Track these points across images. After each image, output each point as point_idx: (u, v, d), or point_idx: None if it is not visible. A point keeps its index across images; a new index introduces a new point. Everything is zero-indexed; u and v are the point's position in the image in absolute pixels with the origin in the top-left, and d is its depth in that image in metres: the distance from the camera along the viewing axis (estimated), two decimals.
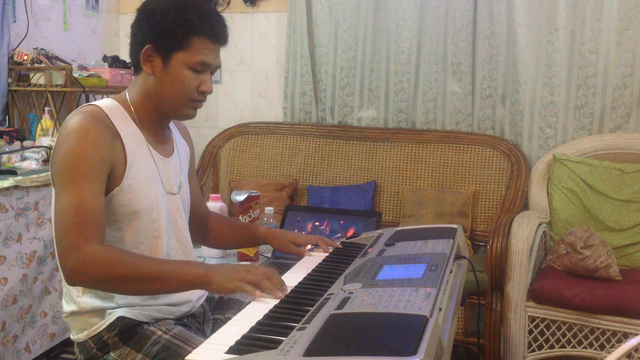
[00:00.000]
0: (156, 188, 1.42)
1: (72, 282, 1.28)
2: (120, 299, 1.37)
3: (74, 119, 1.32)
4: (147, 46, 1.37)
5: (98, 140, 1.30)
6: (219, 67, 1.44)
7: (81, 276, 1.25)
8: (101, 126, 1.32)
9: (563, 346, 2.51)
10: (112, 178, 1.33)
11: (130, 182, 1.36)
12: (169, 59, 1.37)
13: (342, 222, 2.21)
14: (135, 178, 1.37)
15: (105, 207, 1.32)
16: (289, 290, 1.26)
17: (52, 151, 1.34)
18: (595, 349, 2.44)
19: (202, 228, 1.71)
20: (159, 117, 1.45)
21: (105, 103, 1.40)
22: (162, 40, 1.36)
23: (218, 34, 1.40)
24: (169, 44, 1.36)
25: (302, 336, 0.93)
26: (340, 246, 1.64)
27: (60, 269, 1.33)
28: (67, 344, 2.73)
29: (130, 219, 1.37)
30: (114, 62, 3.31)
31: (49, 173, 2.54)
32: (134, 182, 1.36)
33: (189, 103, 1.41)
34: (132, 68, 1.45)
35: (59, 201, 1.28)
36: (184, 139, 1.61)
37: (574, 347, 2.49)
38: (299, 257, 1.62)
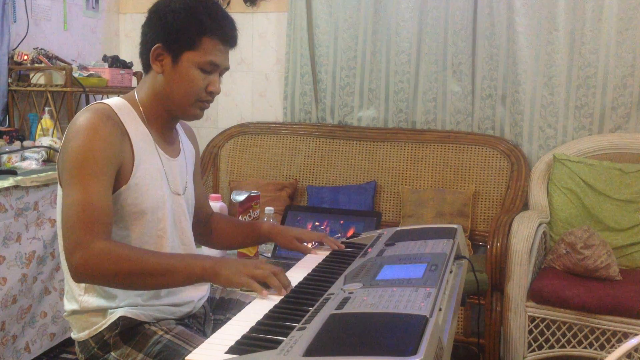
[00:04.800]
0: (162, 188, 1.42)
1: (78, 278, 1.28)
2: (122, 299, 1.38)
3: (84, 116, 1.32)
4: (156, 45, 1.37)
5: (108, 138, 1.30)
6: (227, 68, 1.45)
7: (87, 272, 1.25)
8: (111, 124, 1.32)
9: (563, 346, 2.51)
10: (120, 177, 1.33)
11: (137, 181, 1.36)
12: (179, 58, 1.37)
13: (342, 222, 2.22)
14: (142, 177, 1.37)
15: (112, 205, 1.32)
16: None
17: (60, 147, 1.34)
18: (595, 349, 2.45)
19: (206, 228, 1.71)
20: (167, 117, 1.46)
21: (114, 102, 1.40)
22: (172, 39, 1.37)
23: (228, 36, 1.41)
24: (179, 43, 1.37)
25: (302, 336, 0.93)
26: (343, 247, 1.64)
27: (66, 265, 1.34)
28: (67, 343, 2.73)
29: (136, 217, 1.37)
30: (114, 62, 3.31)
31: (49, 173, 2.57)
32: (141, 181, 1.36)
33: (196, 103, 1.42)
34: (142, 68, 1.45)
35: (67, 197, 1.28)
36: (189, 141, 1.62)
37: (574, 347, 2.49)
38: (303, 254, 1.62)
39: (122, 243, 1.33)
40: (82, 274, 1.26)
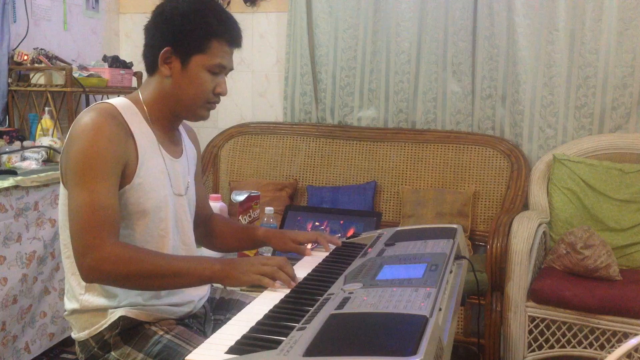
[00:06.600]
0: (165, 188, 1.42)
1: (89, 279, 1.30)
2: (123, 298, 1.38)
3: (88, 115, 1.32)
4: (166, 48, 1.37)
5: (112, 138, 1.30)
6: (232, 69, 1.47)
7: (99, 274, 1.27)
8: (115, 124, 1.33)
9: (563, 346, 2.51)
10: (124, 176, 1.34)
11: (141, 181, 1.36)
12: (188, 61, 1.38)
13: (342, 222, 2.22)
14: (146, 177, 1.37)
15: (119, 205, 1.32)
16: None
17: (63, 146, 1.34)
18: (595, 349, 2.44)
19: (205, 230, 1.72)
20: (172, 118, 1.47)
21: (118, 101, 1.40)
22: (181, 42, 1.37)
23: (235, 37, 1.43)
24: (189, 46, 1.37)
25: (302, 336, 0.93)
26: (340, 243, 1.65)
27: (66, 264, 1.34)
28: (66, 343, 2.73)
29: (139, 217, 1.37)
30: (114, 62, 3.31)
31: (49, 173, 2.57)
32: (144, 180, 1.37)
33: (205, 104, 1.43)
34: (146, 69, 1.45)
35: (74, 199, 1.28)
36: (191, 142, 1.63)
37: (574, 347, 2.49)
38: (300, 255, 1.62)
39: (132, 245, 1.34)
40: (94, 276, 1.28)
